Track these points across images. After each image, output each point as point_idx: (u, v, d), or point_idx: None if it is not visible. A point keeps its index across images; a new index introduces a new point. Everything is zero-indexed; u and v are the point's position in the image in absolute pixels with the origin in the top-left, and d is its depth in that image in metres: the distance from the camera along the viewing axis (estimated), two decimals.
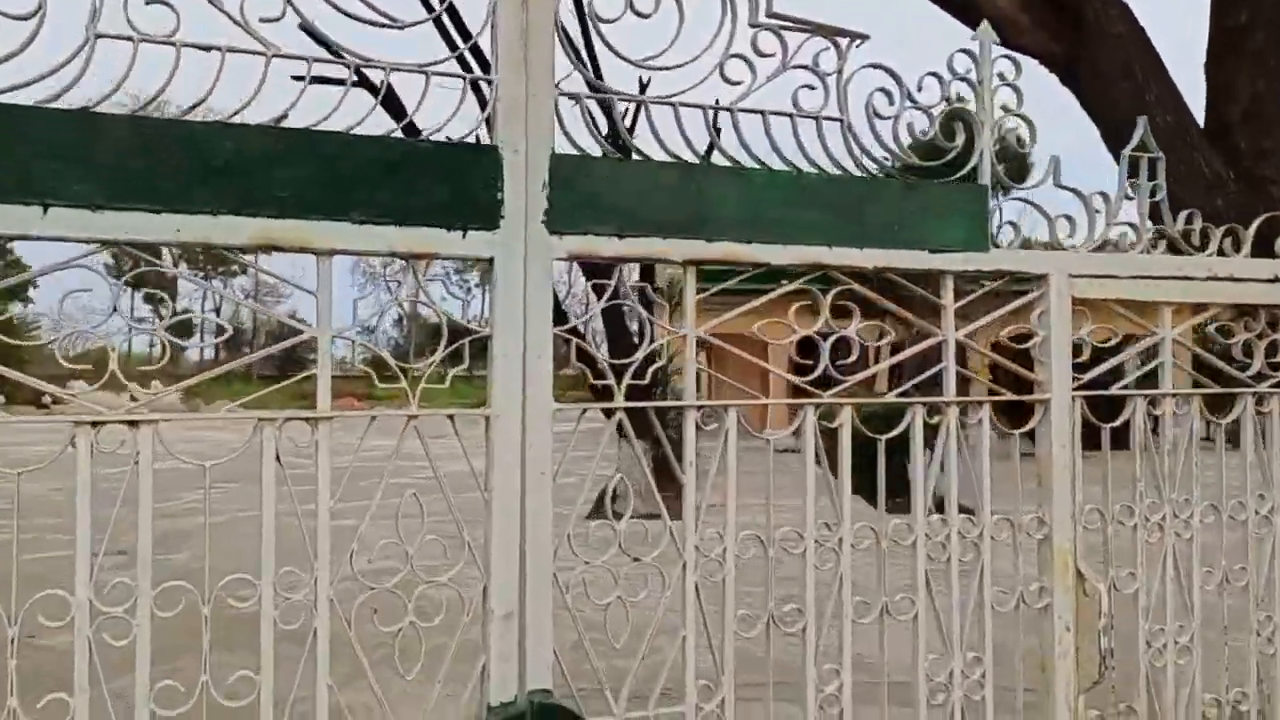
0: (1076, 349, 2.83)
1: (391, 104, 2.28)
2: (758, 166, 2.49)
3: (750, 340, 2.57)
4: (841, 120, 2.57)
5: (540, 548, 2.23)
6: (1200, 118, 5.46)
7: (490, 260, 2.21)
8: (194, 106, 1.96)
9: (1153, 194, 2.92)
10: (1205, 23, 5.67)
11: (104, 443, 1.90)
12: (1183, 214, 2.97)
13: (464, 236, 2.18)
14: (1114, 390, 2.92)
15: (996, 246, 2.72)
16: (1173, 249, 2.96)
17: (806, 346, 2.56)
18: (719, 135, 2.52)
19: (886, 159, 2.64)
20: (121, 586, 1.90)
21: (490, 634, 2.17)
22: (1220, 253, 3.01)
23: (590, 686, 2.29)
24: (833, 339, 2.57)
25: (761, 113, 2.49)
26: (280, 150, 2.01)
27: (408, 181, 2.12)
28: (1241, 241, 3.04)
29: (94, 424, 1.89)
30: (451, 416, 2.19)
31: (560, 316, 2.33)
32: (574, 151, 2.33)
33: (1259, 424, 3.07)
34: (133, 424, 1.92)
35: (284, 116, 2.03)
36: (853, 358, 2.62)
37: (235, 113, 1.99)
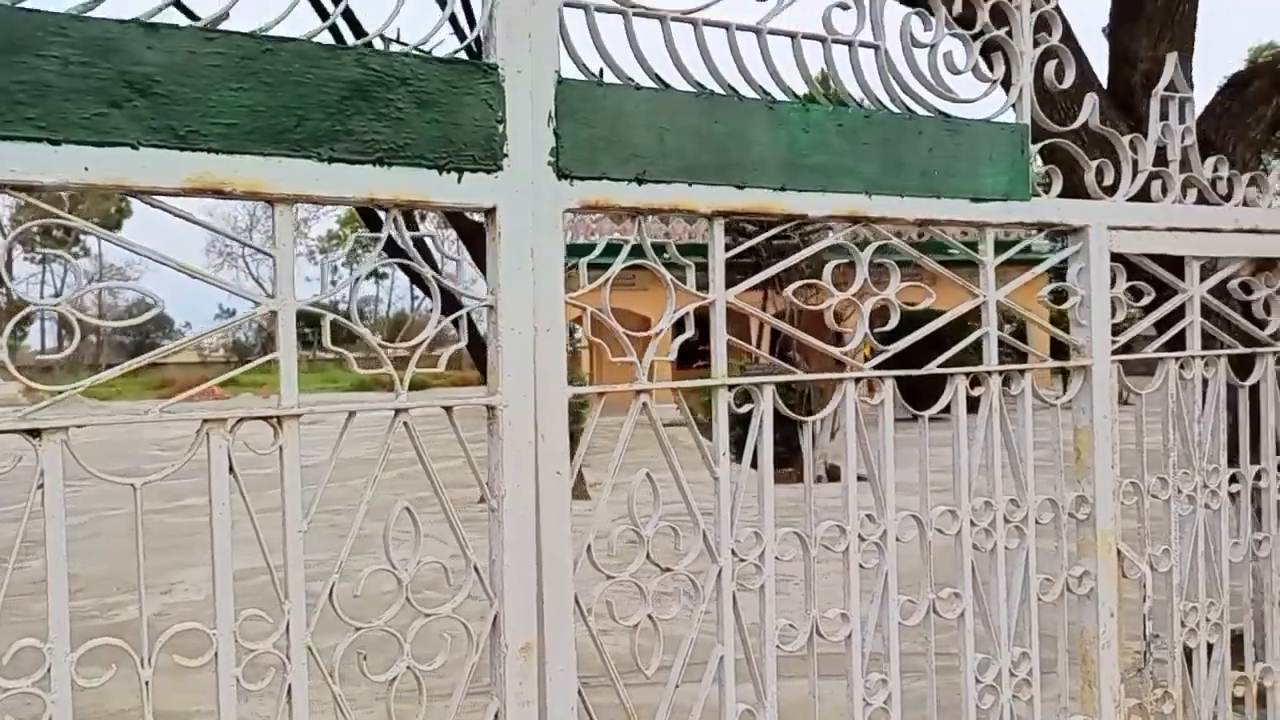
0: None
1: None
2: (791, 100, 2.11)
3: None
4: (877, 47, 2.21)
5: (559, 564, 1.82)
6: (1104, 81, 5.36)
7: (492, 210, 1.76)
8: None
9: (1183, 138, 2.68)
10: None
11: None
12: (1210, 160, 2.75)
13: (459, 180, 1.72)
14: (1149, 353, 2.69)
15: (1035, 195, 2.43)
16: (1200, 199, 2.74)
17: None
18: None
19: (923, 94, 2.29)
20: (30, 652, 1.40)
21: (506, 674, 1.76)
22: (1245, 203, 2.81)
23: None
24: (872, 303, 2.23)
25: (792, 36, 2.10)
26: (223, 63, 1.51)
27: (388, 108, 1.65)
28: (1263, 190, 2.85)
29: None
30: (449, 408, 1.75)
31: None
32: (580, 76, 1.90)
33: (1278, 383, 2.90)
34: (33, 433, 1.41)
35: (224, 16, 1.53)
36: (892, 324, 2.28)
37: (157, 10, 1.48)
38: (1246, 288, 2.89)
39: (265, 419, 1.57)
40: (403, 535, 1.74)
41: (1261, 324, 2.90)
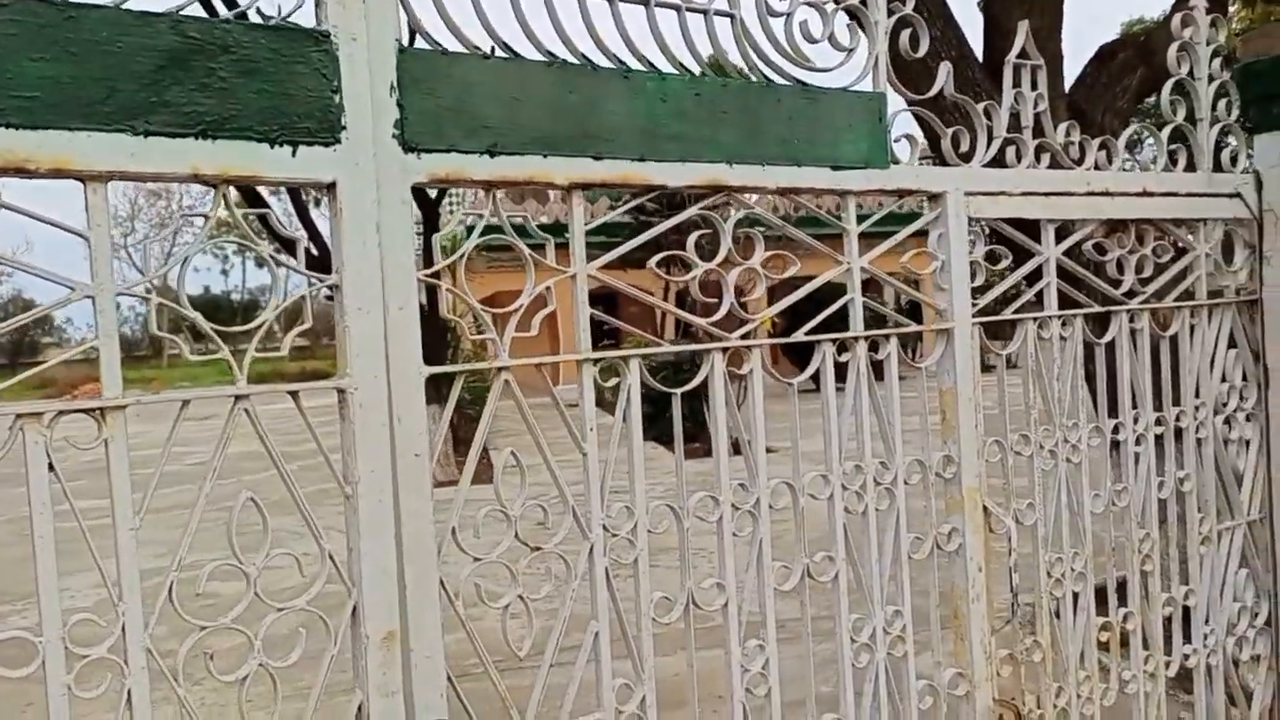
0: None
1: None
2: (646, 70, 2.08)
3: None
4: (733, 15, 2.20)
5: (422, 550, 1.77)
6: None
7: (331, 185, 1.69)
8: None
9: (1035, 104, 2.75)
10: None
11: None
12: (1062, 125, 2.83)
13: (294, 154, 1.65)
14: (1007, 315, 2.76)
15: (895, 163, 2.46)
16: (1053, 163, 2.82)
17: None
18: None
19: (781, 63, 2.29)
20: None
21: (368, 664, 1.70)
22: (1095, 167, 2.90)
23: (492, 707, 1.88)
24: (736, 272, 2.23)
25: (645, 3, 2.08)
26: (20, 32, 1.40)
27: (210, 78, 1.56)
28: (1113, 154, 2.96)
29: None
30: (295, 393, 1.68)
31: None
32: (424, 45, 1.84)
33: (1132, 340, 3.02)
34: None
35: None
36: (756, 295, 2.29)
37: None
38: (1100, 249, 2.99)
39: (87, 412, 1.48)
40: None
41: (1115, 283, 3.01)
